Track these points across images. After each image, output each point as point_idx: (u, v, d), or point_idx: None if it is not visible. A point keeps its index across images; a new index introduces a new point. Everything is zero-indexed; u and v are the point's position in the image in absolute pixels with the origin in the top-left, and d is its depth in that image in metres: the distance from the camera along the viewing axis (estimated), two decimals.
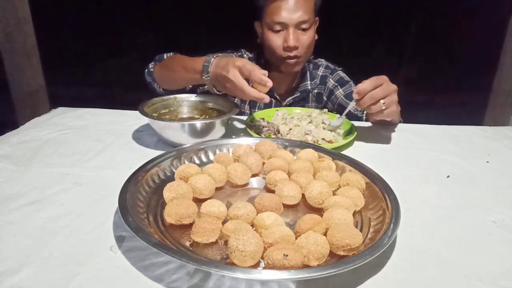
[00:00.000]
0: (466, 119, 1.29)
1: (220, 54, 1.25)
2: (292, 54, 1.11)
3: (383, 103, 0.85)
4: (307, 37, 1.11)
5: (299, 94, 1.24)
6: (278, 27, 1.09)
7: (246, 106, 1.26)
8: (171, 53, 1.16)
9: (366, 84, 0.85)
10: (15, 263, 0.50)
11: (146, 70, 1.15)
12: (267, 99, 0.84)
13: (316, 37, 1.20)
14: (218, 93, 0.97)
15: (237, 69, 0.83)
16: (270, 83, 0.83)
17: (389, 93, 0.86)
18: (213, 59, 0.91)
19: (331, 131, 0.95)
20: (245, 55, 1.28)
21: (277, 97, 1.26)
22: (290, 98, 1.25)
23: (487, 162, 0.88)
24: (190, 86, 1.10)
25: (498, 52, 1.72)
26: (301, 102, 1.27)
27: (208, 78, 0.91)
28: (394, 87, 0.87)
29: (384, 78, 0.87)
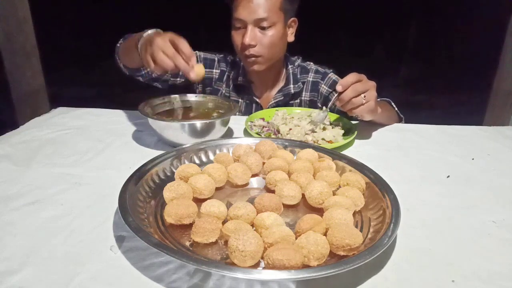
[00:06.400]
0: (466, 119, 1.29)
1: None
2: (249, 53, 1.10)
3: (364, 97, 0.87)
4: (268, 37, 1.09)
5: (282, 98, 1.22)
6: (238, 24, 1.09)
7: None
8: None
9: (348, 77, 0.87)
10: (15, 263, 0.50)
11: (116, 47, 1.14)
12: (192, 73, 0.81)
13: (292, 39, 1.17)
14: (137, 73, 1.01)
15: (168, 36, 0.81)
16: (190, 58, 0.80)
17: (369, 88, 0.88)
18: (154, 31, 0.88)
19: (315, 126, 0.95)
20: (228, 58, 1.27)
21: (257, 100, 1.24)
22: (273, 101, 1.23)
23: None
24: (148, 72, 1.08)
25: (498, 52, 1.72)
26: (285, 106, 1.23)
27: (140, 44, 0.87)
28: (373, 82, 0.89)
29: (363, 75, 0.89)
